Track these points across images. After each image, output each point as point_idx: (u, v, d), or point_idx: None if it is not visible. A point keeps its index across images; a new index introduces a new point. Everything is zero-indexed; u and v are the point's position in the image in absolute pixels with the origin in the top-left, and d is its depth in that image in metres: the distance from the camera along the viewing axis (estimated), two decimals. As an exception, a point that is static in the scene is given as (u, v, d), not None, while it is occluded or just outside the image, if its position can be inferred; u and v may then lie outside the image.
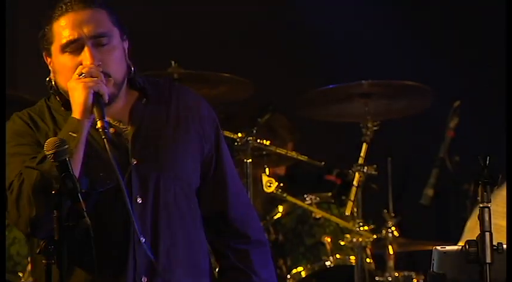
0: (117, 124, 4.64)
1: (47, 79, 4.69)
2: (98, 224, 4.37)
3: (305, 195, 6.36)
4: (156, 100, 4.72)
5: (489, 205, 4.55)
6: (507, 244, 3.75)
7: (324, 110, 6.45)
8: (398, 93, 6.32)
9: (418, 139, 6.19)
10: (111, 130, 4.55)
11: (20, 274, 5.95)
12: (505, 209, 5.66)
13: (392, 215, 6.11)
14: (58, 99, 4.64)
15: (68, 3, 4.56)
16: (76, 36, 4.54)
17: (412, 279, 6.05)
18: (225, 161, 4.79)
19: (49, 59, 4.68)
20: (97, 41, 4.55)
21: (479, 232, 4.50)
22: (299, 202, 6.30)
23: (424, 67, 7.12)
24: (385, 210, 6.12)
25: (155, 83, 4.79)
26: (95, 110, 4.40)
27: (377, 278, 6.09)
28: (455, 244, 4.80)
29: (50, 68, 4.69)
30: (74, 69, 4.53)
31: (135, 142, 4.60)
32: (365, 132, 6.20)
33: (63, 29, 4.56)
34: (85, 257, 4.43)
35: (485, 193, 4.57)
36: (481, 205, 4.51)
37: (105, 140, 4.34)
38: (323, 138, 6.45)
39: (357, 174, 6.14)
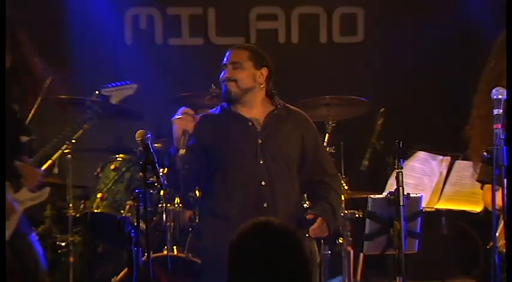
0: (255, 121, 4.88)
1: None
2: (237, 172, 4.81)
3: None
4: (281, 112, 4.95)
5: (402, 170, 4.55)
6: (506, 244, 3.50)
7: (307, 113, 6.42)
8: (348, 103, 6.30)
9: (359, 131, 6.20)
10: (250, 123, 4.87)
11: (122, 211, 5.89)
12: (409, 172, 5.64)
13: (344, 176, 6.09)
14: None
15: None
16: (225, 61, 4.90)
17: (356, 214, 5.99)
18: (318, 153, 4.99)
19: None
20: (233, 65, 4.86)
21: (395, 186, 4.52)
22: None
23: (364, 87, 7.10)
24: (339, 173, 6.07)
25: (284, 104, 5.01)
26: None
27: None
28: (381, 194, 4.81)
29: None
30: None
31: (262, 131, 4.86)
32: (327, 127, 6.17)
33: (225, 57, 4.92)
34: (226, 190, 4.83)
35: (399, 163, 4.58)
36: (396, 170, 4.52)
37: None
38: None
39: (322, 152, 6.17)
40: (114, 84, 5.43)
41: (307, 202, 5.30)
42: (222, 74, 4.92)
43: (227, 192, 4.84)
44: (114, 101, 5.03)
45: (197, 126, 4.87)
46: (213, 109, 5.04)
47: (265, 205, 4.77)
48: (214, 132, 4.89)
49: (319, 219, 4.81)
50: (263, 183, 4.79)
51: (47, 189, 5.27)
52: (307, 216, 4.81)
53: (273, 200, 4.80)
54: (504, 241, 4.21)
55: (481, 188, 4.66)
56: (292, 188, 4.89)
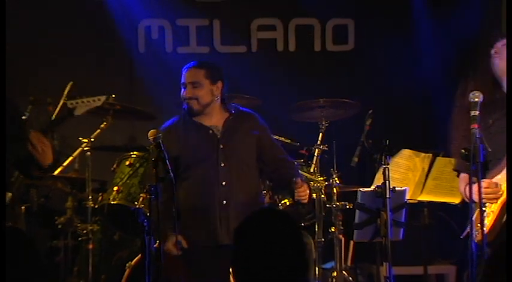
0: (215, 129, 4.99)
1: None
2: (201, 175, 4.90)
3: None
4: (236, 117, 5.03)
5: (388, 166, 4.55)
6: (507, 242, 3.58)
7: (300, 114, 6.41)
8: (340, 105, 6.30)
9: (350, 130, 6.16)
10: (211, 131, 4.98)
11: (136, 203, 5.88)
12: (394, 168, 5.63)
13: (336, 171, 6.08)
14: None
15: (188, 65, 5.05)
16: (183, 81, 5.00)
17: (347, 206, 5.99)
18: (273, 146, 5.14)
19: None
20: (192, 85, 4.96)
21: (382, 181, 4.52)
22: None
23: (354, 91, 7.10)
24: (332, 169, 6.09)
25: (237, 108, 5.11)
26: None
27: (327, 205, 6.03)
28: (370, 187, 4.81)
29: None
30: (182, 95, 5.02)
31: (222, 137, 4.94)
32: (321, 127, 6.17)
33: (183, 76, 5.03)
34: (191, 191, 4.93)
35: (386, 159, 4.58)
36: (383, 166, 4.52)
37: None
38: (299, 129, 6.43)
39: (317, 149, 6.12)
40: (82, 100, 4.86)
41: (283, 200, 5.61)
42: (183, 92, 5.03)
43: (191, 193, 4.94)
44: (78, 112, 4.74)
45: (163, 140, 4.92)
46: (173, 119, 5.14)
47: (224, 202, 4.92)
48: (178, 142, 5.00)
49: (305, 185, 4.98)
50: (224, 183, 4.91)
51: (9, 195, 4.54)
52: (296, 181, 4.95)
53: (232, 197, 4.94)
54: (479, 230, 4.21)
55: (458, 176, 4.66)
56: (252, 183, 5.04)
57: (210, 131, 4.99)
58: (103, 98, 4.84)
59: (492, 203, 4.37)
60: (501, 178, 4.38)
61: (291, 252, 2.91)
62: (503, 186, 4.35)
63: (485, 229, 4.32)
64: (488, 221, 4.36)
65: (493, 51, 4.48)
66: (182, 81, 5.03)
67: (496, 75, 4.48)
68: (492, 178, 4.40)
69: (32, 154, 4.41)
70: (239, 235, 2.97)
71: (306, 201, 5.00)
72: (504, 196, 4.34)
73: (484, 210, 4.36)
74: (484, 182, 4.32)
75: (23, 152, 4.41)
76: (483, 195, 4.24)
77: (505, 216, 4.31)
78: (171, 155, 4.84)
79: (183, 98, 5.02)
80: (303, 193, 4.94)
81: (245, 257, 2.90)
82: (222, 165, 4.93)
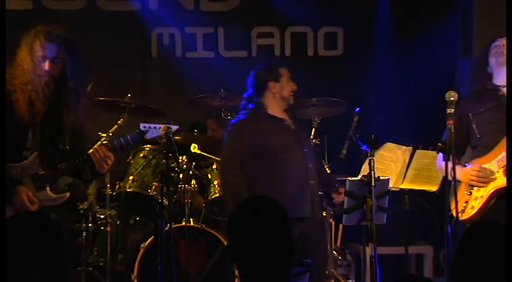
0: (287, 121, 5.07)
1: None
2: (291, 160, 4.90)
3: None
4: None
5: (373, 158, 4.54)
6: (506, 241, 3.65)
7: (295, 112, 6.37)
8: (330, 104, 6.28)
9: (339, 126, 6.15)
10: (286, 122, 5.05)
11: (149, 190, 5.88)
12: (379, 159, 5.62)
13: (327, 162, 6.07)
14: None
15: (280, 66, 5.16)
16: (291, 76, 5.08)
17: (338, 192, 5.99)
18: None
19: (274, 84, 5.07)
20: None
21: (368, 171, 4.51)
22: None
23: (343, 91, 7.07)
24: (323, 160, 6.07)
25: None
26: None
27: (320, 192, 6.02)
28: (357, 177, 4.80)
29: (273, 91, 5.07)
30: (291, 88, 5.09)
31: (296, 128, 5.09)
32: (314, 123, 6.14)
33: (286, 72, 5.09)
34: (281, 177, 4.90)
35: (371, 151, 4.57)
36: (369, 158, 4.52)
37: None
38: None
39: (310, 143, 6.15)
40: (154, 125, 4.37)
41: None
42: (293, 87, 5.10)
43: (282, 178, 4.88)
44: (149, 136, 4.34)
45: (236, 134, 4.87)
46: (241, 115, 5.06)
47: (312, 182, 4.95)
48: (258, 132, 4.94)
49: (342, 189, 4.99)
50: (310, 165, 4.97)
51: (67, 195, 4.40)
52: (339, 187, 5.04)
53: (315, 178, 5.00)
54: (454, 206, 4.24)
55: (438, 153, 4.67)
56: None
57: (285, 123, 5.04)
58: (174, 127, 4.36)
59: (481, 188, 4.37)
60: (491, 166, 4.38)
61: (279, 235, 2.91)
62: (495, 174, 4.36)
63: (473, 211, 4.33)
64: (475, 204, 4.36)
65: (492, 51, 4.52)
66: (289, 76, 5.11)
67: (490, 69, 4.53)
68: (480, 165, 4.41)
69: (91, 158, 4.19)
70: (233, 223, 2.96)
71: (339, 203, 5.05)
72: (494, 184, 4.33)
73: (471, 193, 4.37)
74: (476, 167, 4.34)
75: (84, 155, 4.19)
76: (475, 179, 4.29)
77: (493, 201, 4.32)
78: (251, 143, 4.85)
79: (293, 91, 5.09)
80: (341, 197, 4.95)
81: (241, 242, 2.90)
82: (306, 150, 5.00)
